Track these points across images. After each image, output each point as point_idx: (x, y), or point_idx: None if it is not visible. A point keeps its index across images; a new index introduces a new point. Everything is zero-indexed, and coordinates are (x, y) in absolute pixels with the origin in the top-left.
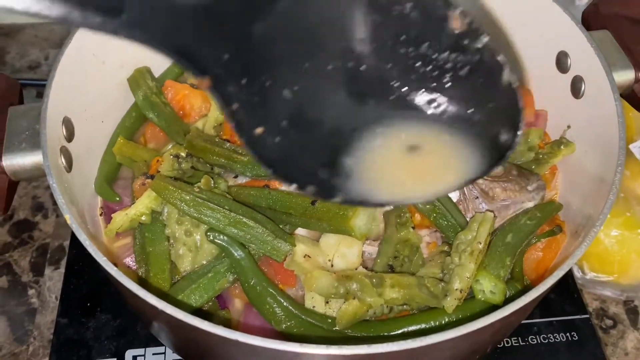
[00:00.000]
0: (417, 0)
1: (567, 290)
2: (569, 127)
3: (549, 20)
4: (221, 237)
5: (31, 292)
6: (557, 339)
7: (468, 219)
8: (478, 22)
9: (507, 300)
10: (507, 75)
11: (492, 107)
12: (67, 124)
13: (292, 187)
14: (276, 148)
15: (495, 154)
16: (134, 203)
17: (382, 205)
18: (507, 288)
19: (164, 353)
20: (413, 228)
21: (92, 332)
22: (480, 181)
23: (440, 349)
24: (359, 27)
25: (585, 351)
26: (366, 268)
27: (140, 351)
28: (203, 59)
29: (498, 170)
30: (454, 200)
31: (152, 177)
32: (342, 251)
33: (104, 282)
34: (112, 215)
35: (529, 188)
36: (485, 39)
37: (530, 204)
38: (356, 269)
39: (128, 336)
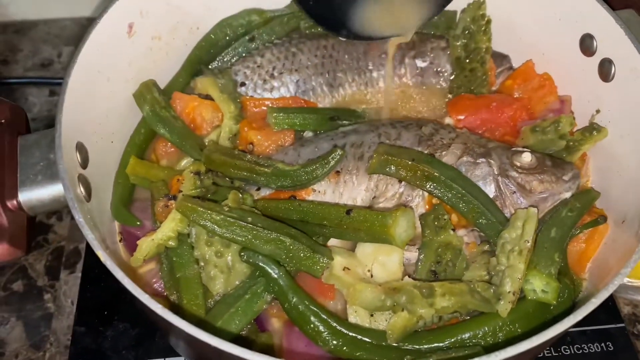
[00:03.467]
0: None
1: None
2: (597, 111)
3: (570, 1)
4: (256, 256)
5: (47, 296)
6: (592, 349)
7: (507, 216)
8: None
9: None
10: None
11: None
12: (81, 149)
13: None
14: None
15: None
16: (156, 226)
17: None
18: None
19: None
20: (453, 230)
21: (109, 341)
22: (515, 174)
23: None
24: None
25: None
26: (408, 276)
27: None
28: None
29: (532, 162)
30: (490, 196)
31: (174, 197)
32: (381, 260)
33: (121, 289)
34: (138, 242)
35: (565, 178)
36: None
37: (568, 194)
38: (401, 279)
39: (147, 346)
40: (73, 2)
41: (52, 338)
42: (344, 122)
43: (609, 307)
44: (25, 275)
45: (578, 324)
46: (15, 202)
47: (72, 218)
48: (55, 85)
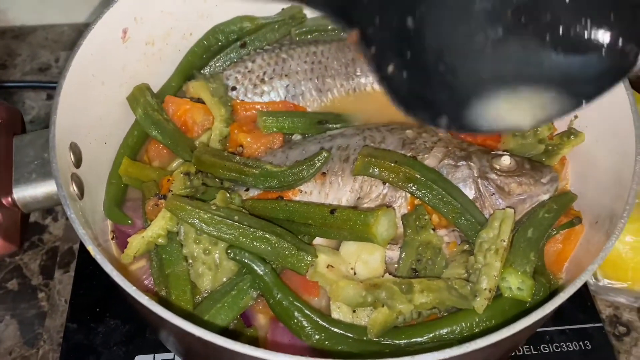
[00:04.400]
0: None
1: (580, 298)
2: (576, 117)
3: None
4: (243, 253)
5: (41, 295)
6: (570, 347)
7: (486, 217)
8: None
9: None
10: None
11: (617, 16)
12: (75, 149)
13: (424, 121)
14: (407, 83)
15: (618, 72)
16: (147, 225)
17: (493, 131)
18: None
19: (172, 359)
20: (433, 230)
21: (101, 337)
22: (494, 177)
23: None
24: None
25: None
26: (390, 273)
27: (149, 357)
28: (354, 14)
29: (512, 165)
30: (470, 198)
31: (164, 197)
32: (364, 258)
33: (113, 287)
34: (128, 239)
35: (543, 181)
36: None
37: (546, 197)
38: (382, 276)
39: (137, 342)
40: (71, 9)
41: (45, 336)
42: (332, 125)
43: (588, 308)
44: (20, 274)
45: (557, 324)
46: (9, 198)
47: (67, 219)
48: (52, 89)
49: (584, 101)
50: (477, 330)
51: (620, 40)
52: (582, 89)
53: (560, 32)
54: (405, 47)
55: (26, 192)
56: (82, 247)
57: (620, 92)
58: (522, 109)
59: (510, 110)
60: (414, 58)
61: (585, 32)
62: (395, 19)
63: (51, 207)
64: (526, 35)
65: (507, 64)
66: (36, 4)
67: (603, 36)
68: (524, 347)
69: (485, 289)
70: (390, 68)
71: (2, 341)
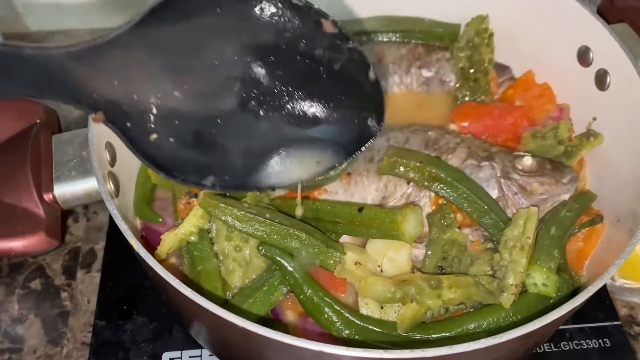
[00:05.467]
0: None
1: (599, 297)
2: (594, 119)
3: (568, 15)
4: (273, 250)
5: (64, 295)
6: (590, 345)
7: (509, 216)
8: (346, 30)
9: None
10: (372, 72)
11: (361, 98)
12: (110, 148)
13: (188, 183)
14: (171, 150)
15: (365, 139)
16: (178, 223)
17: (267, 189)
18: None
19: (200, 356)
20: (459, 228)
21: (129, 334)
22: (517, 177)
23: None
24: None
25: (618, 358)
26: (419, 271)
27: (176, 354)
28: (92, 98)
29: (533, 165)
30: (494, 197)
31: (196, 195)
32: (391, 256)
33: (139, 285)
34: (162, 236)
35: (564, 180)
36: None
37: (566, 196)
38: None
39: (164, 339)
40: (88, 14)
41: (69, 334)
42: None
43: (606, 306)
44: (43, 274)
45: (577, 321)
46: (51, 195)
47: (88, 219)
48: None
49: (344, 160)
50: (503, 324)
51: (364, 116)
52: (342, 150)
53: (316, 111)
54: (173, 117)
55: (66, 189)
56: (108, 246)
57: (638, 94)
58: (293, 169)
59: (283, 170)
60: (183, 126)
61: (334, 111)
62: (160, 95)
63: (89, 203)
64: (285, 114)
65: (273, 132)
66: (53, 9)
67: (350, 114)
68: (545, 345)
69: (512, 285)
70: (154, 136)
71: (26, 340)
